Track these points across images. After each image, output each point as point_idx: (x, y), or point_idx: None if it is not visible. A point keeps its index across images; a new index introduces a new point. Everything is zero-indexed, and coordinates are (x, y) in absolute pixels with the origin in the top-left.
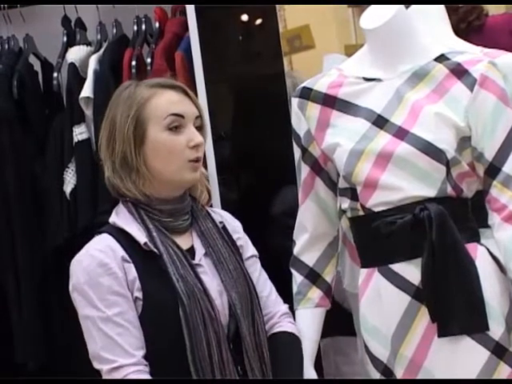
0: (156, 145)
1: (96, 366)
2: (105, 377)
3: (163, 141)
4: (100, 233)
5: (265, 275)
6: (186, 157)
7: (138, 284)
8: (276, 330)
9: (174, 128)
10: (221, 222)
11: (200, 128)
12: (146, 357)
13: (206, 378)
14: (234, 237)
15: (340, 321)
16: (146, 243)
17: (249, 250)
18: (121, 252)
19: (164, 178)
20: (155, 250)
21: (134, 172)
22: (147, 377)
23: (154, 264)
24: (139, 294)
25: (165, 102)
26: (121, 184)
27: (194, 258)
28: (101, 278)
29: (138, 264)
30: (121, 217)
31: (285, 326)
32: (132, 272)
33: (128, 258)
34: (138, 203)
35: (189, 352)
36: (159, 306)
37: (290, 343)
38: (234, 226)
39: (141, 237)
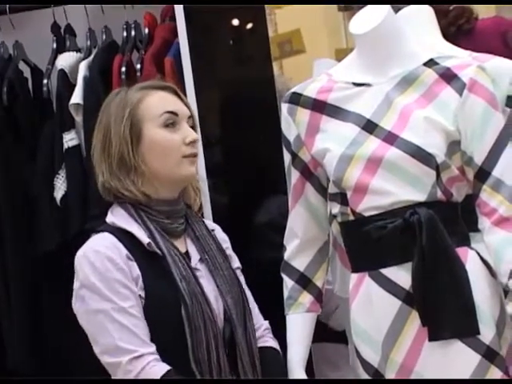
0: (153, 142)
1: (110, 360)
2: (124, 368)
3: (160, 138)
4: (98, 232)
5: (248, 289)
6: (181, 152)
7: (140, 283)
8: (263, 344)
9: (170, 125)
10: (212, 230)
11: (192, 128)
12: None
13: (205, 377)
14: (224, 246)
15: (326, 328)
16: (149, 243)
17: (235, 261)
18: (124, 250)
19: (162, 175)
20: (158, 251)
21: (133, 172)
22: (165, 365)
23: (156, 264)
24: (142, 293)
25: (158, 100)
26: (119, 185)
27: (190, 262)
28: (110, 273)
29: (140, 263)
30: (119, 217)
31: (270, 341)
32: (135, 270)
33: (131, 257)
34: (137, 204)
35: (190, 352)
36: (161, 306)
37: (275, 360)
38: (223, 237)
39: (144, 237)
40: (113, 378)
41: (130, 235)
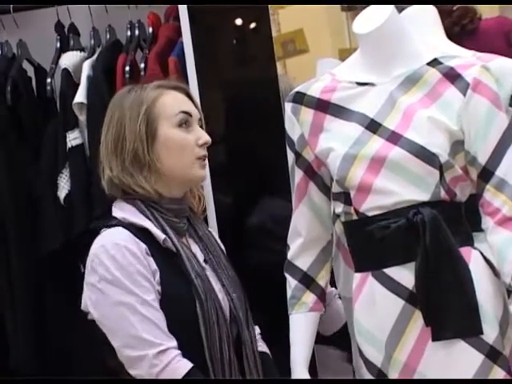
0: (168, 141)
1: (132, 353)
2: (151, 361)
3: (175, 137)
4: (109, 226)
5: None
6: (195, 154)
7: (158, 278)
8: (258, 348)
9: (184, 125)
10: (209, 231)
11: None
12: None
13: (217, 375)
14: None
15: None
16: (165, 240)
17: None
18: (143, 245)
19: (175, 175)
20: (173, 248)
21: (146, 169)
22: (187, 361)
23: (171, 261)
24: (159, 288)
25: (173, 100)
26: (132, 180)
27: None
28: (132, 266)
29: (157, 259)
30: (130, 213)
31: (262, 346)
32: (153, 265)
33: (149, 252)
34: (148, 201)
35: (206, 349)
36: (177, 302)
37: (271, 365)
38: (218, 240)
39: (159, 233)
40: (131, 371)
41: (144, 231)
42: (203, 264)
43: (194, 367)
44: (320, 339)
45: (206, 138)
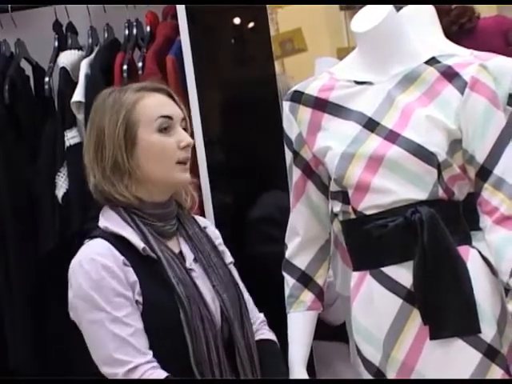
0: (147, 147)
1: (108, 370)
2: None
3: (154, 143)
4: (92, 237)
5: (242, 283)
6: (176, 157)
7: (138, 288)
8: (259, 337)
9: (164, 129)
10: (204, 228)
11: (186, 130)
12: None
13: (207, 377)
14: (216, 242)
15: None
16: (144, 248)
17: (228, 256)
18: (120, 256)
19: (156, 180)
20: (153, 255)
21: (127, 176)
22: (163, 372)
23: (152, 269)
24: (139, 298)
25: (153, 104)
26: (112, 189)
27: (185, 263)
28: (105, 281)
29: (136, 268)
30: (112, 221)
31: (266, 333)
32: (132, 276)
33: (127, 263)
34: (130, 208)
35: (191, 354)
36: (160, 310)
37: (273, 352)
38: (215, 233)
39: (139, 242)
40: None
41: (124, 240)
42: (190, 265)
43: (169, 377)
44: (325, 335)
45: (187, 140)
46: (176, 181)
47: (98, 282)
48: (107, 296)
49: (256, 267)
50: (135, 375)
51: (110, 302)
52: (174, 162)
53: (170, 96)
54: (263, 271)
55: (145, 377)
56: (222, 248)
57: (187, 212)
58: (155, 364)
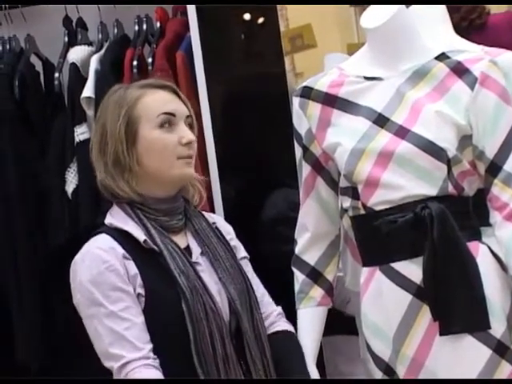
0: (148, 143)
1: (106, 364)
2: (116, 374)
3: (155, 139)
4: (97, 234)
5: (257, 278)
6: (178, 154)
7: (139, 280)
8: (275, 329)
9: (166, 126)
10: (213, 223)
11: (191, 127)
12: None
13: (210, 371)
14: (227, 237)
15: (339, 320)
16: (145, 241)
17: (241, 251)
18: (121, 250)
19: (157, 176)
20: (155, 248)
21: (127, 172)
22: (155, 371)
23: (154, 261)
24: (141, 291)
25: (156, 100)
26: (114, 184)
27: (191, 257)
28: (103, 276)
29: (138, 261)
30: (117, 217)
31: (282, 325)
32: (133, 269)
33: (128, 256)
34: (134, 203)
35: (193, 345)
36: (162, 302)
37: (291, 341)
38: (227, 228)
39: (140, 235)
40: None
41: (126, 234)
42: (197, 258)
43: (160, 375)
44: (345, 329)
45: (189, 136)
46: (177, 176)
47: (97, 277)
48: (104, 290)
49: (266, 263)
50: (125, 371)
51: (106, 296)
52: (175, 158)
53: (175, 93)
54: (273, 267)
55: (132, 373)
56: (234, 243)
57: (195, 208)
58: (149, 361)
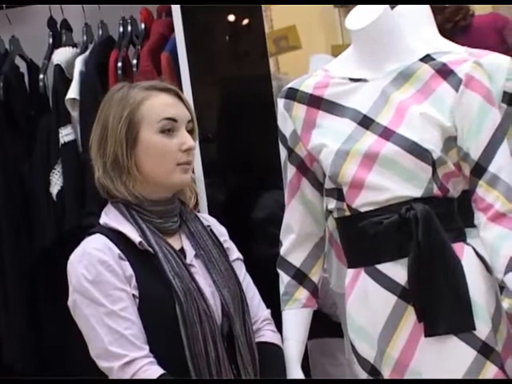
0: (148, 147)
1: (104, 364)
2: (116, 374)
3: (156, 143)
4: (91, 233)
5: (249, 278)
6: (177, 160)
7: (134, 282)
8: (260, 338)
9: (167, 131)
10: (208, 226)
11: (191, 132)
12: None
13: (203, 374)
14: (221, 239)
15: (326, 322)
16: (140, 242)
17: (234, 252)
18: (117, 250)
19: (155, 180)
20: (150, 249)
21: (125, 173)
22: (159, 368)
23: (148, 263)
24: (135, 292)
25: (159, 105)
26: (111, 185)
27: (185, 259)
28: (102, 276)
29: (133, 262)
30: (112, 217)
31: (266, 335)
32: (128, 269)
33: (123, 256)
34: (130, 204)
35: (186, 348)
36: (156, 304)
37: (272, 357)
38: (220, 230)
39: (135, 236)
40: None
41: (122, 235)
42: (191, 261)
43: (165, 374)
44: (333, 332)
45: (189, 143)
46: (175, 182)
47: (95, 276)
48: (104, 290)
49: (252, 265)
50: (131, 369)
51: (106, 295)
52: (174, 164)
53: (179, 97)
54: (259, 269)
55: (141, 371)
56: (228, 245)
57: (190, 210)
58: (152, 359)
